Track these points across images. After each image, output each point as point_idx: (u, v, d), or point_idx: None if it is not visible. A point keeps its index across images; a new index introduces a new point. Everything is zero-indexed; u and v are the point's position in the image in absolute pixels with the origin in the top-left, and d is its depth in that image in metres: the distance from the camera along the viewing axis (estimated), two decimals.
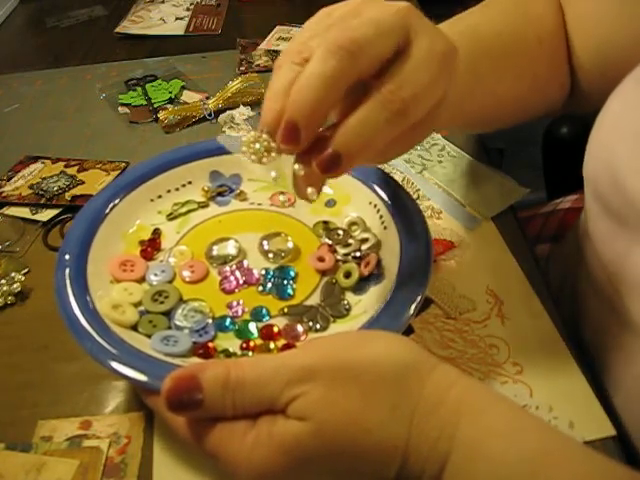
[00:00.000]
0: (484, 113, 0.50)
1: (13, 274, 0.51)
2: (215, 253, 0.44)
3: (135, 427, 0.40)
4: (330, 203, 0.48)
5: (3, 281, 0.50)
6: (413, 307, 0.37)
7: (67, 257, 0.41)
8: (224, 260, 0.44)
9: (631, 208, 0.37)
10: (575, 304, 0.48)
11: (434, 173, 0.59)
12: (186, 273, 0.42)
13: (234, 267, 0.43)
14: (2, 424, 0.41)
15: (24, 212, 0.58)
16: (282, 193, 0.48)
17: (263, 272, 0.43)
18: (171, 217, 0.47)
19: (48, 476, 0.38)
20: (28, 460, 0.38)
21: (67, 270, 0.40)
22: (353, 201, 0.47)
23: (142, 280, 0.42)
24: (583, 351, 0.44)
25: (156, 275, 0.42)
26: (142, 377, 0.34)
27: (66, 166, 0.63)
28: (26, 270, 0.52)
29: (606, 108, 0.41)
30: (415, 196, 0.56)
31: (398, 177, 0.58)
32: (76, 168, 0.63)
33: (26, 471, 0.38)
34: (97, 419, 0.41)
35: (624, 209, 0.38)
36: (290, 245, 0.44)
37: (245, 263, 0.43)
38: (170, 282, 0.42)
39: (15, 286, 0.50)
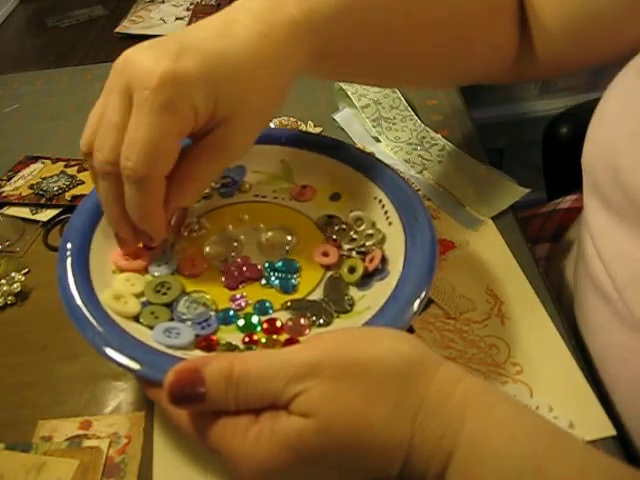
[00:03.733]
0: (381, 63, 0.49)
1: (13, 274, 0.51)
2: (218, 247, 0.44)
3: (135, 427, 0.40)
4: (335, 197, 0.48)
5: (3, 281, 0.50)
6: (417, 303, 0.37)
7: (69, 246, 0.40)
8: (226, 255, 0.43)
9: (631, 203, 0.37)
10: (575, 303, 0.48)
11: (434, 173, 0.59)
12: (187, 268, 0.42)
13: (237, 261, 0.43)
14: (2, 424, 0.41)
15: (24, 212, 0.58)
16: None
17: (266, 265, 0.43)
18: None
19: (48, 476, 0.38)
20: (28, 460, 0.38)
21: (69, 259, 0.39)
22: (358, 196, 0.47)
23: (145, 271, 0.42)
24: (583, 351, 0.44)
25: (159, 266, 0.42)
26: (144, 369, 0.34)
27: (66, 166, 0.63)
28: (26, 270, 0.52)
29: (605, 100, 0.41)
30: None
31: None
32: (76, 168, 0.63)
33: (26, 471, 0.38)
34: (97, 419, 0.41)
35: (624, 204, 0.38)
36: (294, 239, 0.44)
37: (248, 257, 0.43)
38: (172, 274, 0.42)
39: (15, 286, 0.50)
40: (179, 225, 0.45)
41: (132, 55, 0.36)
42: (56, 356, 0.45)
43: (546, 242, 0.63)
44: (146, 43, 0.37)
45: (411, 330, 0.45)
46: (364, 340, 0.32)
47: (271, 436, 0.29)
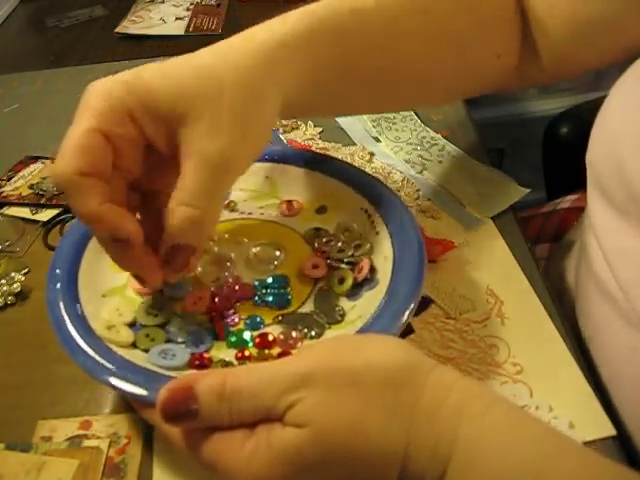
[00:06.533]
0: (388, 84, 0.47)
1: (13, 274, 0.51)
2: (209, 270, 0.43)
3: (135, 427, 0.40)
4: (321, 210, 0.48)
5: (3, 281, 0.50)
6: (407, 312, 0.37)
7: (58, 272, 0.40)
8: (218, 277, 0.43)
9: (635, 201, 0.37)
10: (576, 303, 0.48)
11: (434, 173, 0.59)
12: (188, 303, 0.41)
13: (230, 282, 0.43)
14: (2, 424, 0.41)
15: (24, 212, 0.58)
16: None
17: (256, 283, 0.42)
18: None
19: (48, 476, 0.38)
20: (28, 460, 0.38)
21: (58, 284, 0.39)
22: (344, 207, 0.47)
23: (160, 292, 0.42)
24: (583, 350, 0.44)
25: (173, 288, 0.42)
26: (137, 390, 0.34)
27: None
28: (26, 270, 0.52)
29: (609, 100, 0.41)
30: (415, 196, 0.56)
31: (398, 177, 0.58)
32: None
33: (26, 471, 0.38)
34: (97, 419, 0.41)
35: (628, 202, 0.38)
36: (282, 254, 0.44)
37: (239, 277, 0.43)
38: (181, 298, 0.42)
39: (15, 286, 0.50)
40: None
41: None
42: (56, 356, 0.45)
43: (546, 242, 0.63)
44: None
45: (411, 330, 0.45)
46: (355, 348, 0.32)
47: (267, 449, 0.29)
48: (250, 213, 0.48)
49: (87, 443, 0.39)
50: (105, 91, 0.35)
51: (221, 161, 0.35)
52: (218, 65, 0.37)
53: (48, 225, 0.57)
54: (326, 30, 0.41)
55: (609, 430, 0.38)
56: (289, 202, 0.48)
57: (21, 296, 0.50)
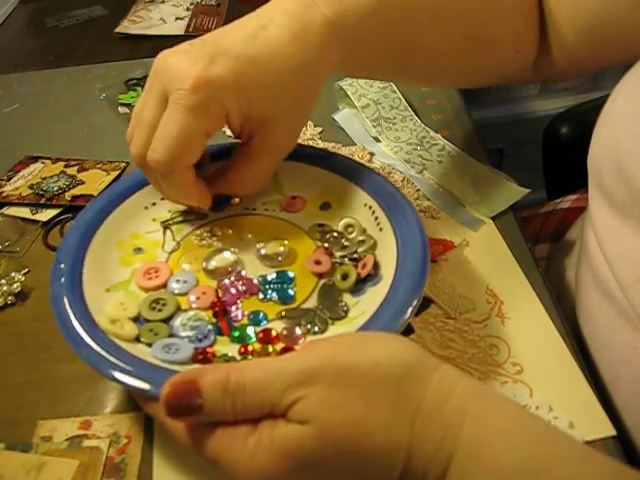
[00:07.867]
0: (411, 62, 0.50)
1: (13, 274, 0.51)
2: (213, 266, 0.44)
3: (135, 427, 0.40)
4: (325, 206, 0.48)
5: (3, 281, 0.50)
6: (411, 308, 0.37)
7: (62, 266, 0.40)
8: (222, 273, 0.43)
9: (636, 201, 0.37)
10: (577, 302, 0.48)
11: (434, 173, 0.59)
12: (192, 298, 0.42)
13: (233, 278, 0.43)
14: (2, 424, 0.41)
15: (24, 212, 0.58)
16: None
17: (260, 279, 0.42)
18: (166, 224, 0.47)
19: (48, 476, 0.38)
20: (28, 460, 0.38)
21: (62, 279, 0.39)
22: (348, 203, 0.47)
23: (164, 287, 0.42)
24: (583, 350, 0.44)
25: (178, 282, 0.42)
26: (141, 384, 0.33)
27: (66, 166, 0.64)
28: (26, 270, 0.52)
29: (611, 101, 0.41)
30: (415, 196, 0.56)
31: (398, 177, 0.58)
32: (76, 168, 0.63)
33: (26, 471, 0.38)
34: (97, 419, 0.41)
35: (629, 201, 0.38)
36: (286, 249, 0.44)
37: (244, 273, 0.43)
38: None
39: (15, 286, 0.50)
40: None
41: (170, 57, 0.39)
42: (56, 356, 0.45)
43: (546, 242, 0.63)
44: (184, 46, 0.40)
45: (411, 330, 0.45)
46: (359, 345, 0.32)
47: (270, 445, 0.29)
48: (254, 209, 0.48)
49: (87, 443, 0.39)
50: (207, 83, 0.37)
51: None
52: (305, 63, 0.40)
53: (48, 225, 0.57)
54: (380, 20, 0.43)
55: (609, 430, 0.38)
56: (293, 198, 0.48)
57: (21, 296, 0.50)
